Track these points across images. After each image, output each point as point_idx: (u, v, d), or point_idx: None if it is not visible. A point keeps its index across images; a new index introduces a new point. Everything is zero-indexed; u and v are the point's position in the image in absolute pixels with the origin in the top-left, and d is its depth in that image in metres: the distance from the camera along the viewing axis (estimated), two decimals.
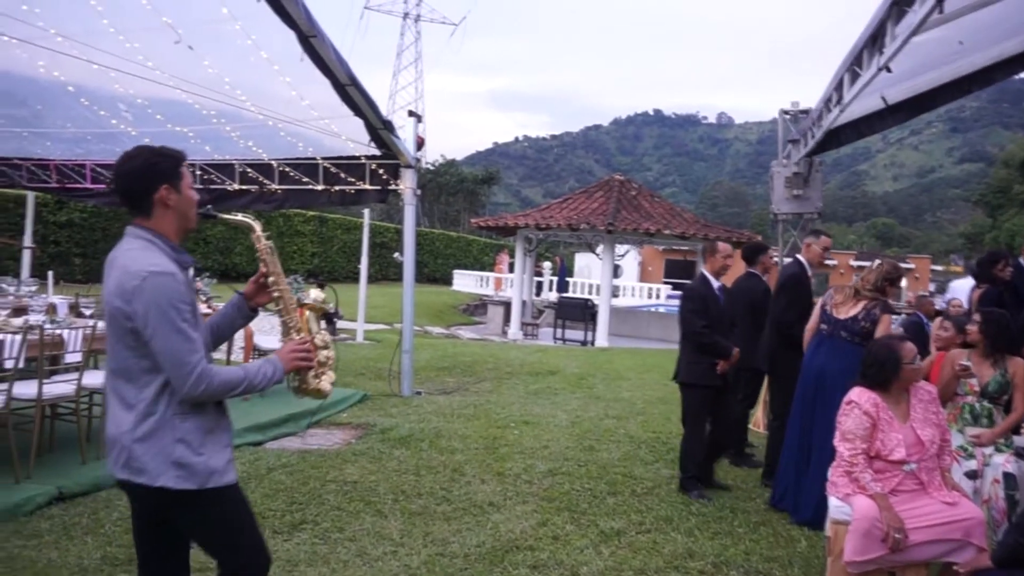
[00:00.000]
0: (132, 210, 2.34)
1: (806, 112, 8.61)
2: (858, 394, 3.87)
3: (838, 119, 6.84)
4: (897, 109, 7.04)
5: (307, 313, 2.59)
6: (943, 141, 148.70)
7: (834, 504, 3.77)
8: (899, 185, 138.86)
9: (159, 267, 2.22)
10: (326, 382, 2.58)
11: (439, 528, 4.53)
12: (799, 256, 5.94)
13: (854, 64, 5.72)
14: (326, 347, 2.59)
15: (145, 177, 2.31)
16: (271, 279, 2.56)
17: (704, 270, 5.62)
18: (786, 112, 9.07)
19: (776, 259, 7.66)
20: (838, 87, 6.31)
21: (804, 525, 4.79)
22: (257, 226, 2.58)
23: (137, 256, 2.25)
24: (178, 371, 2.21)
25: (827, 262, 6.22)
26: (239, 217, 2.60)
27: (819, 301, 5.26)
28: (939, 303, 8.81)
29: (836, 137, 7.89)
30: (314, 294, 2.63)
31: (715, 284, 5.50)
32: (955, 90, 6.34)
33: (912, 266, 43.52)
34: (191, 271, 2.41)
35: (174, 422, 2.27)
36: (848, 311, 4.97)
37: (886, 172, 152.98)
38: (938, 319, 5.84)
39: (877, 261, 5.34)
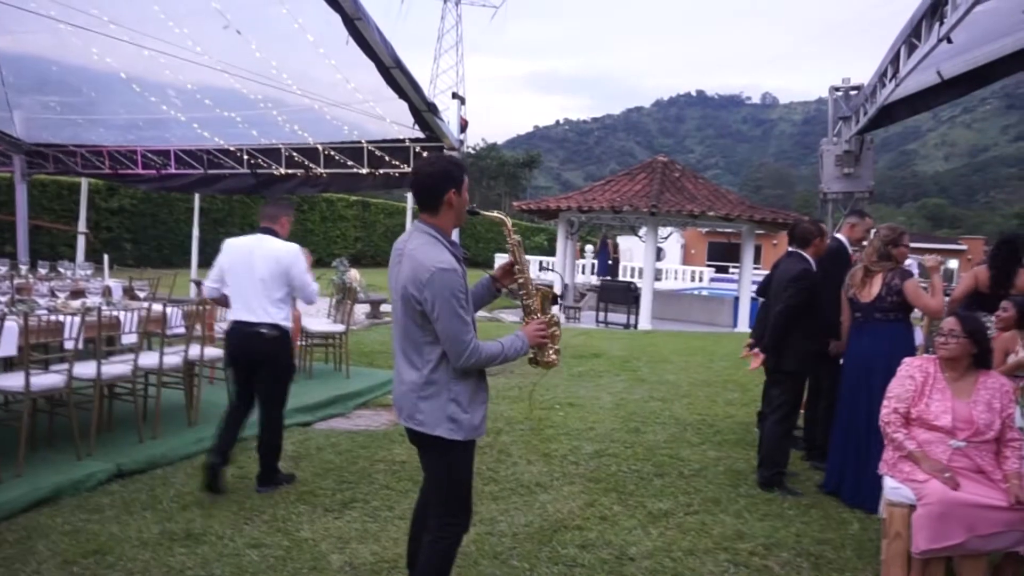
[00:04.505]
0: (423, 206, 2.80)
1: (858, 88, 8.41)
2: (911, 359, 3.84)
3: (892, 94, 6.66)
4: (953, 84, 6.83)
5: (541, 296, 3.03)
6: (998, 119, 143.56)
7: (890, 485, 3.69)
8: (950, 165, 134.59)
9: (445, 264, 2.66)
10: (553, 355, 3.03)
11: (487, 508, 4.55)
12: (839, 235, 5.87)
13: (912, 36, 5.55)
14: (556, 325, 3.04)
15: (442, 181, 2.77)
16: (517, 267, 3.04)
17: (806, 253, 5.30)
18: (837, 89, 8.85)
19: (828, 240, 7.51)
20: (894, 60, 6.13)
21: (857, 508, 4.73)
22: (508, 222, 3.10)
23: (428, 252, 2.70)
24: (456, 347, 2.71)
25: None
26: (494, 214, 3.22)
27: (844, 292, 5.17)
28: None
29: (889, 114, 7.70)
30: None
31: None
32: (1015, 62, 6.11)
33: (964, 247, 42.25)
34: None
35: (449, 385, 2.78)
36: (871, 292, 4.91)
37: (937, 151, 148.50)
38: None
39: (874, 230, 5.15)
